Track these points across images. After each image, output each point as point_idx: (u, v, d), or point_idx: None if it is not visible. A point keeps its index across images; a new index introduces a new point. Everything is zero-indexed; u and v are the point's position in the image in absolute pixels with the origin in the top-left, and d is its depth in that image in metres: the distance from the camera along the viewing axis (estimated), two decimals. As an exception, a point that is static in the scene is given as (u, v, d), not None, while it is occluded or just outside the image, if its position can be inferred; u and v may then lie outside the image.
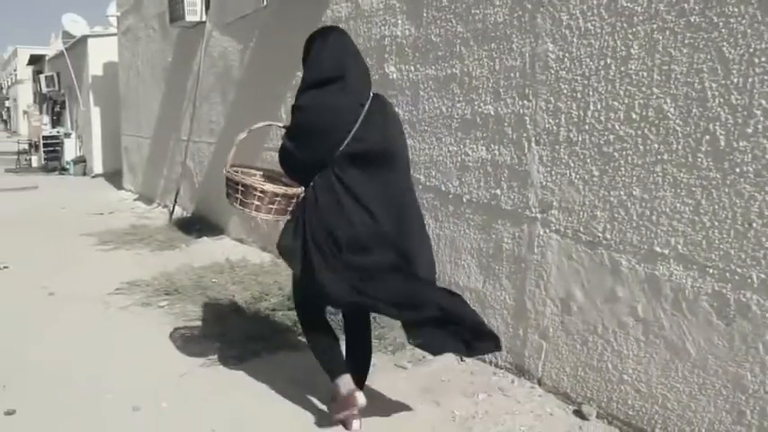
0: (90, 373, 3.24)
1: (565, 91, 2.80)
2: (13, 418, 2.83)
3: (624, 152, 2.58)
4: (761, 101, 2.13)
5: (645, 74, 2.49)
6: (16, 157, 15.75)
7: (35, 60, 21.07)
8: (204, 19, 6.72)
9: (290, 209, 2.64)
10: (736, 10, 2.19)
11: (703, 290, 2.34)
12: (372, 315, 2.91)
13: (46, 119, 17.00)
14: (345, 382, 2.59)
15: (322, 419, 2.76)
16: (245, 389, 3.08)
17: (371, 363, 2.85)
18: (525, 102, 2.99)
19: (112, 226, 7.24)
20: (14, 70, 36.07)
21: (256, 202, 2.61)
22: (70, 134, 14.54)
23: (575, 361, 2.84)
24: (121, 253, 6.01)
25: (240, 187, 2.63)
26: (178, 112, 7.79)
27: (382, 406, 2.81)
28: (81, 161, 13.75)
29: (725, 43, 2.22)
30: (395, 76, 3.81)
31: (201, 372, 3.27)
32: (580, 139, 2.75)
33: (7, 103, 43.69)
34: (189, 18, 6.74)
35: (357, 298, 2.47)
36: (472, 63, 3.27)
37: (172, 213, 7.66)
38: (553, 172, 2.88)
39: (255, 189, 2.60)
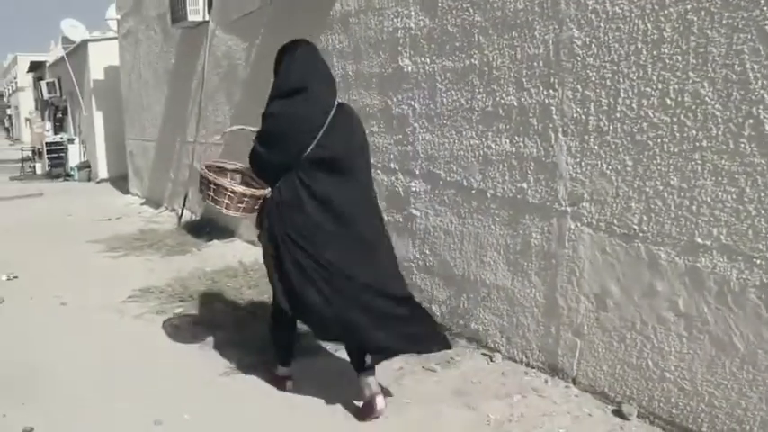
0: (109, 387, 3.15)
1: (593, 78, 2.69)
2: (33, 437, 2.74)
3: (659, 140, 2.47)
4: (810, 81, 2.03)
5: (679, 57, 2.38)
6: (20, 164, 15.68)
7: (35, 67, 20.97)
8: (207, 18, 6.60)
9: (257, 207, 2.93)
10: (780, -14, 2.07)
11: (750, 282, 2.23)
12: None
13: (48, 125, 16.92)
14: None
15: (349, 426, 2.67)
16: (271, 397, 2.99)
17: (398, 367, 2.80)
18: (551, 91, 2.88)
19: (120, 232, 7.11)
20: (15, 78, 36.04)
21: (227, 201, 2.92)
22: (74, 140, 14.44)
23: (612, 359, 2.73)
24: (131, 259, 5.90)
25: (213, 186, 2.93)
26: (183, 114, 7.68)
27: (416, 411, 2.74)
28: (85, 167, 13.67)
29: (767, 21, 2.11)
30: (410, 69, 3.69)
31: (222, 381, 3.19)
32: (611, 128, 2.64)
33: (9, 111, 43.72)
34: (191, 18, 6.62)
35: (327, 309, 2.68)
36: (492, 53, 3.15)
37: (180, 217, 7.56)
38: (583, 163, 2.77)
39: (227, 189, 2.91)
